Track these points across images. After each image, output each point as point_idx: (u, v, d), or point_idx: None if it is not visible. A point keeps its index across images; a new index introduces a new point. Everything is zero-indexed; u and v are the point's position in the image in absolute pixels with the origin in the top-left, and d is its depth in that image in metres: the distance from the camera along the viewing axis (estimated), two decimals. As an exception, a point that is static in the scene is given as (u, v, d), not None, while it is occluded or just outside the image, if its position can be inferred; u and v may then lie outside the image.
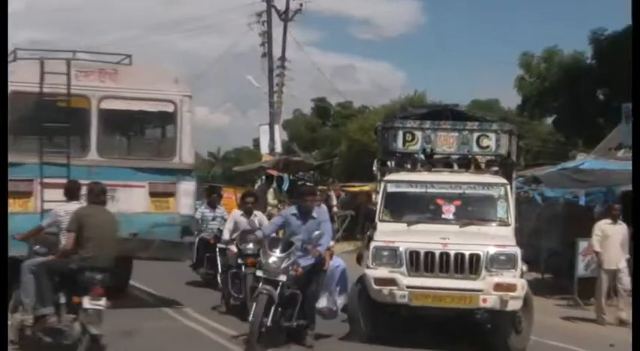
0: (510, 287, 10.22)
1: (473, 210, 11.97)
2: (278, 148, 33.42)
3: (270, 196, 19.79)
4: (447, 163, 12.92)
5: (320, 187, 19.61)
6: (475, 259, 10.39)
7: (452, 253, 10.46)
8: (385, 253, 10.75)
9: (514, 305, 10.24)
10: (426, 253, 10.51)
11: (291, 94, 37.34)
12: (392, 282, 10.33)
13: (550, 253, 17.60)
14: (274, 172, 22.98)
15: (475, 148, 12.62)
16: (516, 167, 13.43)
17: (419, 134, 12.78)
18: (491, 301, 10.12)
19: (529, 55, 32.54)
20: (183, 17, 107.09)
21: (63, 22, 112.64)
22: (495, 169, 12.76)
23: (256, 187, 24.62)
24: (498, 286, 10.18)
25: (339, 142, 48.49)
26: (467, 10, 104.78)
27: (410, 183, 12.45)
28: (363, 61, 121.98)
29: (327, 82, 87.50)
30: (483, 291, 10.17)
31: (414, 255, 10.55)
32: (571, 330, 13.64)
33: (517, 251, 10.59)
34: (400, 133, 12.87)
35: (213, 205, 15.70)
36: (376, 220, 12.06)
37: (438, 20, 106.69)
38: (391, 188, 12.32)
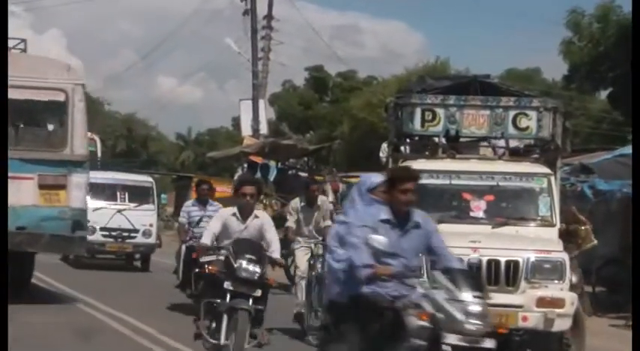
0: (557, 302, 9.91)
1: (508, 207, 11.78)
2: (263, 129, 33.42)
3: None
4: (476, 149, 12.82)
5: (316, 178, 19.61)
6: (513, 267, 10.13)
7: (484, 259, 10.16)
8: None
9: (562, 325, 9.96)
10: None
11: (279, 62, 37.39)
12: None
13: (604, 260, 17.69)
14: (258, 159, 23.02)
15: (511, 130, 12.34)
16: (562, 154, 13.13)
17: (441, 112, 12.49)
18: (533, 319, 9.86)
19: (579, 12, 32.57)
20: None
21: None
22: (536, 156, 12.60)
23: (235, 177, 24.62)
24: (542, 301, 9.90)
25: (340, 121, 48.65)
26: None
27: (430, 173, 11.87)
28: (370, 19, 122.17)
29: (325, 47, 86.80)
30: (523, 307, 9.93)
31: None
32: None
33: (565, 258, 10.28)
34: (418, 111, 12.58)
35: (203, 202, 15.03)
36: None
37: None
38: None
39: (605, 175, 17.94)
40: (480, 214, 11.52)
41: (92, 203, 19.21)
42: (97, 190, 20.72)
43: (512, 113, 12.24)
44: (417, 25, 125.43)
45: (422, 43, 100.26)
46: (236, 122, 42.94)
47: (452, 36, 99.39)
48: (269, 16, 36.13)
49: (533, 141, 12.72)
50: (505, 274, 10.09)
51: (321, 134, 50.47)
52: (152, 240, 21.69)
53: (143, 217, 21.59)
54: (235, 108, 38.98)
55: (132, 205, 21.67)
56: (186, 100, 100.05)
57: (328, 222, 12.94)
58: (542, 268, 10.14)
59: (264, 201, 19.56)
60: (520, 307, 9.89)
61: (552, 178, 11.80)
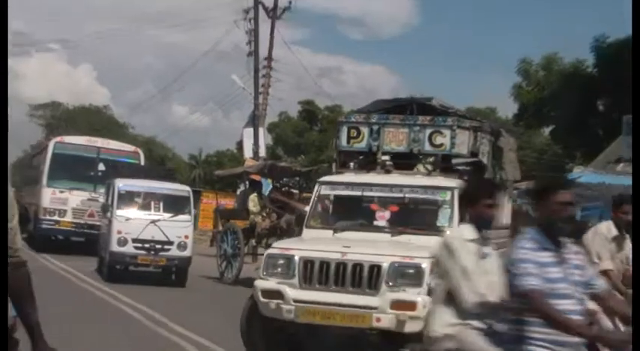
0: (409, 306, 9.03)
1: (411, 217, 10.96)
2: (262, 152, 33.49)
3: (252, 203, 19.78)
4: (401, 164, 11.79)
5: (305, 195, 19.64)
6: (376, 271, 9.30)
7: (350, 263, 9.39)
8: (279, 261, 9.79)
9: (413, 327, 8.84)
10: (321, 263, 9.47)
11: (277, 97, 37.51)
12: (279, 294, 9.39)
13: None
14: (257, 177, 23.01)
15: (427, 146, 11.55)
16: (488, 171, 12.09)
17: (365, 130, 11.85)
18: (385, 321, 9.04)
19: (527, 62, 32.84)
20: (168, 11, 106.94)
21: (39, 13, 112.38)
22: (466, 169, 11.80)
23: (238, 192, 24.68)
24: (395, 304, 9.06)
25: (327, 147, 48.65)
26: (465, 13, 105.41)
27: (345, 185, 11.50)
28: (352, 62, 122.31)
29: (315, 85, 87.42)
30: (378, 309, 9.10)
31: (308, 265, 9.53)
32: None
33: (425, 265, 9.16)
34: (345, 129, 12.04)
35: None
36: (303, 226, 11.28)
37: (434, 22, 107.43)
38: (324, 191, 11.52)
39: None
40: (383, 223, 10.80)
41: (125, 213, 18.18)
42: (130, 198, 18.71)
43: (428, 131, 11.53)
44: (393, 69, 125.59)
45: (397, 82, 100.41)
46: (239, 146, 42.86)
47: (423, 77, 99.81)
48: (269, 58, 36.27)
49: (439, 156, 11.72)
50: (368, 278, 9.30)
51: (311, 158, 50.49)
52: (187, 253, 18.09)
53: (178, 229, 18.12)
54: (239, 134, 39.00)
55: (167, 215, 18.40)
56: (197, 126, 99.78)
57: None
58: (402, 273, 9.32)
59: (262, 213, 19.59)
60: (375, 308, 9.11)
61: (456, 192, 10.34)
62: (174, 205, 18.96)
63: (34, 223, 25.01)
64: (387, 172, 11.53)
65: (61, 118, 66.52)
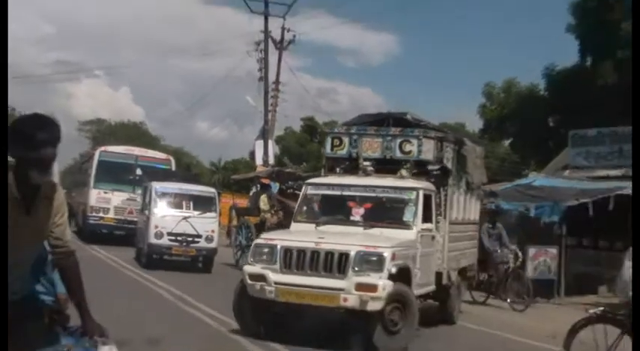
0: (371, 288, 8.97)
1: (382, 213, 10.84)
2: (271, 160, 33.44)
3: (262, 203, 19.79)
4: (380, 169, 11.61)
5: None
6: (344, 258, 9.22)
7: (322, 251, 9.34)
8: (264, 250, 9.72)
9: (374, 306, 8.96)
10: (299, 251, 9.43)
11: (283, 114, 37.52)
12: (262, 278, 9.35)
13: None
14: (267, 181, 23.00)
15: (398, 153, 11.51)
16: (452, 174, 12.03)
17: (346, 139, 11.88)
18: (351, 300, 8.96)
19: (491, 85, 32.82)
20: (191, 43, 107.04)
21: (86, 44, 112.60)
22: (435, 174, 11.56)
23: (251, 193, 24.66)
24: (360, 286, 8.99)
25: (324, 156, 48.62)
26: (439, 45, 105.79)
27: (327, 186, 11.49)
28: (345, 85, 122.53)
29: (314, 103, 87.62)
30: (344, 290, 9.03)
31: (288, 253, 9.48)
32: (520, 323, 13.53)
33: (386, 253, 9.23)
34: (329, 139, 12.10)
35: None
36: (292, 220, 11.28)
37: (413, 53, 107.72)
38: (310, 190, 11.49)
39: (506, 199, 18.04)
40: (358, 218, 10.75)
41: (161, 210, 18.11)
42: (166, 198, 18.57)
43: (398, 140, 11.50)
44: (379, 91, 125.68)
45: (382, 101, 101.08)
46: (252, 155, 42.77)
47: (403, 99, 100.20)
48: (277, 82, 36.24)
49: (412, 162, 11.45)
50: (337, 264, 9.22)
51: (311, 165, 50.16)
52: (214, 245, 18.18)
53: (206, 224, 18.15)
54: (251, 145, 38.99)
55: (196, 212, 18.38)
56: (217, 139, 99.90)
57: None
58: (366, 260, 9.22)
59: (271, 211, 19.56)
60: (342, 290, 9.03)
61: (421, 192, 10.72)
62: (202, 203, 18.88)
63: (82, 219, 25.01)
64: (367, 175, 11.41)
65: (105, 132, 66.59)
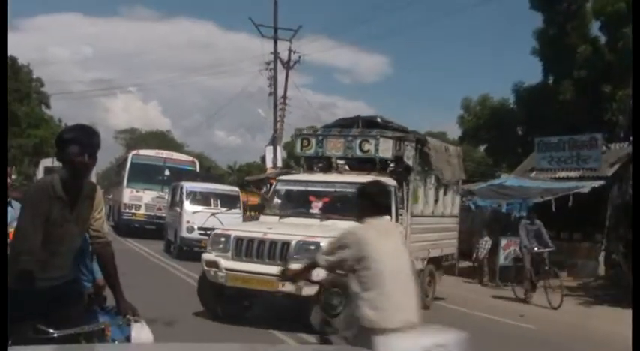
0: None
1: (338, 206, 10.29)
2: (279, 163, 33.39)
3: (272, 200, 19.73)
4: (357, 167, 11.00)
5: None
6: (286, 247, 8.85)
7: (267, 241, 9.00)
8: (221, 239, 9.40)
9: (308, 291, 8.16)
10: (248, 240, 9.13)
11: (290, 124, 37.41)
12: (215, 264, 9.10)
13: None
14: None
15: (358, 152, 10.97)
16: (415, 171, 11.18)
17: (313, 140, 11.37)
18: (287, 285, 8.23)
19: (468, 99, 32.71)
20: (210, 63, 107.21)
21: (121, 64, 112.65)
22: (398, 171, 10.90)
23: (262, 192, 24.65)
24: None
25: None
26: (425, 65, 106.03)
27: (294, 182, 11.05)
28: (342, 100, 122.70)
29: (316, 115, 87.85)
30: None
31: (239, 241, 9.18)
32: (496, 305, 13.60)
33: (323, 242, 8.42)
34: (299, 140, 11.59)
35: None
36: (261, 213, 10.90)
37: (401, 72, 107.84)
38: (279, 186, 11.10)
39: (482, 196, 18.02)
40: (316, 211, 10.29)
41: (192, 207, 17.88)
42: (196, 197, 18.30)
43: (358, 140, 10.96)
44: (371, 105, 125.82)
45: (374, 113, 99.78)
46: (263, 159, 42.74)
47: (393, 111, 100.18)
48: (284, 97, 36.14)
49: (375, 160, 10.84)
50: (280, 252, 8.86)
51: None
52: None
53: (231, 219, 17.46)
54: (262, 150, 38.93)
55: (223, 209, 18.26)
56: (233, 145, 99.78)
57: None
58: (305, 249, 8.72)
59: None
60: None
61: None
62: (228, 201, 18.77)
63: (117, 216, 24.74)
64: (340, 172, 10.86)
65: (137, 139, 66.62)
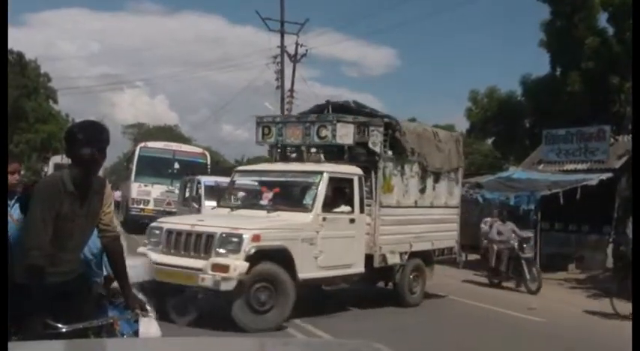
0: (224, 268, 8.08)
1: (288, 197, 9.90)
2: (286, 158, 33.41)
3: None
4: (329, 156, 10.38)
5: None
6: (210, 240, 8.43)
7: (194, 233, 8.59)
8: (156, 232, 9.06)
9: (226, 286, 8.07)
10: (177, 233, 8.76)
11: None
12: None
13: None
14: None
15: (315, 139, 10.21)
16: (384, 158, 10.47)
17: (274, 128, 10.69)
18: (207, 280, 8.12)
19: (475, 92, 32.60)
20: (217, 57, 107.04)
21: (128, 59, 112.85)
22: (363, 159, 10.30)
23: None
24: (215, 267, 8.15)
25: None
26: (432, 58, 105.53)
27: (250, 173, 10.74)
28: (349, 93, 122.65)
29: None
30: (202, 270, 8.20)
31: (170, 234, 8.83)
32: (501, 296, 13.54)
33: (246, 234, 8.31)
34: (260, 128, 10.86)
35: None
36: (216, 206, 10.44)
37: (408, 65, 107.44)
38: (236, 177, 10.80)
39: (490, 189, 18.00)
40: (266, 203, 9.81)
41: (211, 203, 16.31)
42: (213, 191, 16.95)
43: (316, 126, 10.19)
44: (378, 97, 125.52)
45: (381, 107, 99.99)
46: (270, 152, 42.81)
47: (400, 104, 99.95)
48: (291, 90, 36.12)
49: (331, 145, 10.22)
50: (204, 245, 8.45)
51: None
52: None
53: None
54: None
55: None
56: (241, 139, 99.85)
57: None
58: (228, 241, 8.38)
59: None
60: (201, 270, 8.21)
61: (325, 175, 9.37)
62: None
63: (125, 211, 23.92)
64: (315, 162, 10.15)
65: (145, 134, 66.52)
